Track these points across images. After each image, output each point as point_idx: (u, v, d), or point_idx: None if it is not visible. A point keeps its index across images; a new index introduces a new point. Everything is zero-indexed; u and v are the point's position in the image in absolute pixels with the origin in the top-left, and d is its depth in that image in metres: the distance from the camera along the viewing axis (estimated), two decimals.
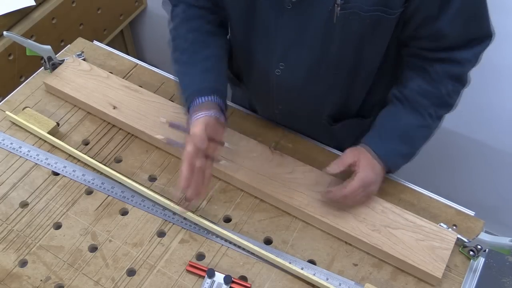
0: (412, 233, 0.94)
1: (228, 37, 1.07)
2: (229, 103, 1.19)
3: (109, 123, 1.16)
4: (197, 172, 0.86)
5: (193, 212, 1.00)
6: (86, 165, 1.08)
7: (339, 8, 0.81)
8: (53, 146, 1.11)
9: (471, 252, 0.94)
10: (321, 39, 0.88)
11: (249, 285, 0.90)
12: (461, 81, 0.93)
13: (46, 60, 1.20)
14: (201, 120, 0.88)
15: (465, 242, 0.94)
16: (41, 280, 0.92)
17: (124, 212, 1.02)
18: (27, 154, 1.09)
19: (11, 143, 1.11)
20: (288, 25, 0.89)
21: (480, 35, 0.88)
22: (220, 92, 0.94)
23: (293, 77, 0.97)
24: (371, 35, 0.86)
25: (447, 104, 0.95)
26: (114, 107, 1.14)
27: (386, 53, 0.93)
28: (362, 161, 0.93)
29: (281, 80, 0.99)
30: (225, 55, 1.02)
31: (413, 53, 0.93)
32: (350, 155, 0.95)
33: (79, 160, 1.09)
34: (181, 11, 1.01)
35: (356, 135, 1.07)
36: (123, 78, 1.23)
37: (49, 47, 1.19)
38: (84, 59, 1.26)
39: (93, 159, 1.07)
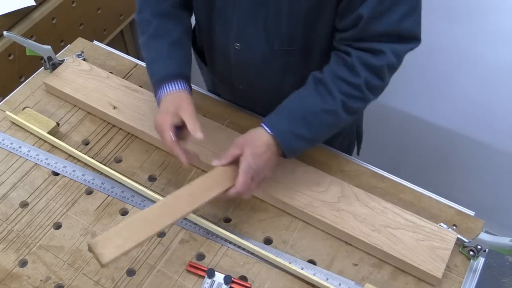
0: (412, 233, 0.94)
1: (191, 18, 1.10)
2: (211, 95, 1.23)
3: (109, 123, 1.16)
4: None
5: (193, 212, 1.00)
6: (86, 165, 1.08)
7: None
8: (53, 146, 1.11)
9: (471, 252, 0.94)
10: (273, 15, 0.91)
11: (249, 285, 0.90)
12: (377, 75, 0.89)
13: (46, 60, 1.20)
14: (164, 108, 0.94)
15: (465, 242, 0.94)
16: (41, 280, 0.92)
17: (124, 212, 1.02)
18: (27, 154, 1.09)
19: (11, 143, 1.11)
20: (244, 2, 0.92)
21: (398, 33, 0.87)
22: (183, 76, 0.98)
23: (249, 56, 1.00)
24: (318, 11, 0.89)
25: (361, 96, 0.91)
26: (114, 107, 1.14)
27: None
28: (246, 151, 0.90)
29: (239, 58, 1.02)
30: (188, 37, 1.05)
31: (337, 45, 0.94)
32: (234, 148, 0.92)
33: (79, 160, 1.09)
34: None
35: None
36: (123, 78, 1.23)
37: (49, 47, 1.19)
38: (84, 59, 1.26)
39: (93, 159, 1.08)
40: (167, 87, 0.95)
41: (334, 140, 1.17)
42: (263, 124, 0.93)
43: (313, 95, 0.92)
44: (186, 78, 0.98)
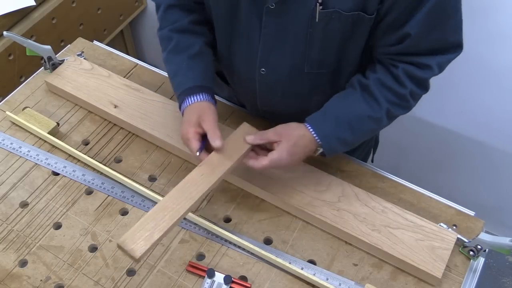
0: (412, 233, 0.94)
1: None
2: (226, 101, 1.21)
3: (109, 123, 1.16)
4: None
5: (193, 212, 1.00)
6: (86, 165, 1.08)
7: (321, 7, 0.83)
8: (53, 146, 1.11)
9: (471, 252, 0.94)
10: (303, 39, 0.89)
11: (249, 285, 0.90)
12: (421, 86, 0.91)
13: (46, 60, 1.20)
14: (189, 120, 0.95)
15: (465, 242, 0.94)
16: (41, 280, 0.92)
17: (124, 212, 1.02)
18: (27, 154, 1.09)
19: (11, 143, 1.11)
20: (270, 25, 0.90)
21: (445, 45, 0.87)
22: (204, 86, 0.98)
23: (276, 80, 0.99)
24: (352, 34, 0.88)
25: (405, 105, 0.93)
26: (115, 106, 1.14)
27: (365, 52, 0.94)
28: (284, 144, 0.90)
29: (265, 83, 1.00)
30: (209, 50, 1.04)
31: (380, 57, 0.93)
32: (273, 134, 0.93)
33: (79, 160, 1.09)
34: (163, 11, 1.03)
35: None
36: (123, 78, 1.23)
37: (49, 47, 1.19)
38: (84, 59, 1.26)
39: (93, 159, 1.08)
40: (190, 99, 0.96)
41: (356, 149, 1.17)
42: (307, 125, 0.93)
43: (360, 102, 0.92)
44: (208, 89, 0.98)
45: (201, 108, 0.95)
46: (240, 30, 0.95)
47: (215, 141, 0.90)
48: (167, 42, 1.02)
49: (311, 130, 0.92)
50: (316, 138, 0.92)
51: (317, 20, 0.85)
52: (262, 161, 0.90)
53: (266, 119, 1.15)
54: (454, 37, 0.87)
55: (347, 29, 0.86)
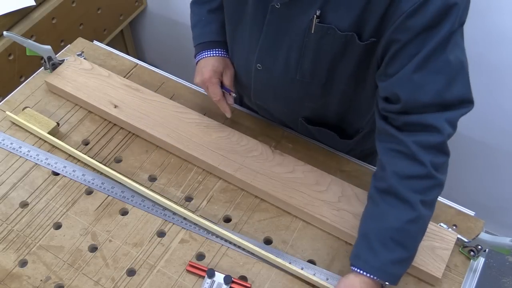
0: None
1: None
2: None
3: (109, 123, 1.16)
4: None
5: (193, 212, 1.00)
6: (86, 165, 1.08)
7: (317, 20, 0.83)
8: (53, 146, 1.11)
9: (471, 252, 0.94)
10: (299, 47, 0.89)
11: (249, 285, 0.90)
12: (441, 152, 0.82)
13: (46, 60, 1.20)
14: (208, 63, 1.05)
15: (465, 242, 0.94)
16: (41, 280, 0.92)
17: (124, 212, 1.02)
18: (27, 154, 1.09)
19: (11, 143, 1.11)
20: (272, 24, 0.90)
21: (445, 103, 0.80)
22: (223, 44, 1.07)
23: (270, 78, 0.99)
24: (343, 53, 0.87)
25: (434, 183, 0.82)
26: (115, 106, 1.14)
27: (362, 82, 0.92)
28: None
29: (260, 78, 1.01)
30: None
31: (381, 116, 0.87)
32: None
33: (79, 160, 1.09)
34: None
35: (335, 142, 1.10)
36: (123, 78, 1.23)
37: (49, 47, 1.19)
38: (84, 59, 1.26)
39: (93, 159, 1.07)
40: (209, 52, 1.06)
41: (369, 158, 1.16)
42: (354, 269, 0.83)
43: (389, 211, 0.82)
44: (224, 44, 1.07)
45: (225, 63, 1.06)
46: (245, 22, 0.96)
47: (226, 113, 1.08)
48: None
49: (360, 272, 0.82)
50: (370, 276, 0.81)
51: (312, 32, 0.85)
52: None
53: (260, 114, 1.17)
54: (455, 93, 0.80)
55: (339, 47, 0.85)
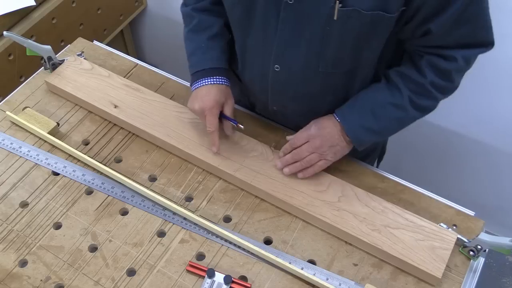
0: (412, 233, 0.94)
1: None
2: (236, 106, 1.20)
3: (109, 123, 1.16)
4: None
5: (193, 212, 1.00)
6: (86, 165, 1.08)
7: (340, 5, 0.81)
8: (53, 146, 1.11)
9: (471, 252, 0.94)
10: (320, 37, 0.88)
11: (249, 285, 0.90)
12: (445, 77, 0.92)
13: (46, 60, 1.20)
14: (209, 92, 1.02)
15: (465, 242, 0.94)
16: (41, 280, 0.92)
17: (124, 212, 1.02)
18: (27, 154, 1.09)
19: (11, 143, 1.11)
20: (287, 21, 0.88)
21: (473, 41, 0.88)
22: (224, 71, 1.04)
23: (290, 77, 0.98)
24: (370, 34, 0.86)
25: (428, 95, 0.94)
26: (116, 106, 1.14)
27: (382, 54, 0.93)
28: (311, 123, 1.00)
29: (278, 80, 0.99)
30: (227, 32, 1.07)
31: (408, 47, 0.95)
32: (300, 138, 1.01)
33: (79, 160, 1.09)
34: None
35: None
36: (123, 78, 1.23)
37: (49, 47, 1.19)
38: (84, 59, 1.26)
39: (93, 159, 1.08)
40: (209, 79, 1.02)
41: (369, 158, 1.19)
42: (335, 116, 0.99)
43: (383, 90, 0.96)
44: (225, 71, 1.05)
45: (227, 92, 1.04)
46: (256, 25, 0.93)
47: (213, 147, 1.04)
48: (190, 19, 1.07)
49: (337, 119, 0.98)
50: (342, 123, 0.96)
51: (335, 18, 0.83)
52: (297, 134, 1.01)
53: (274, 120, 1.15)
54: (482, 34, 0.88)
55: (365, 28, 0.85)
